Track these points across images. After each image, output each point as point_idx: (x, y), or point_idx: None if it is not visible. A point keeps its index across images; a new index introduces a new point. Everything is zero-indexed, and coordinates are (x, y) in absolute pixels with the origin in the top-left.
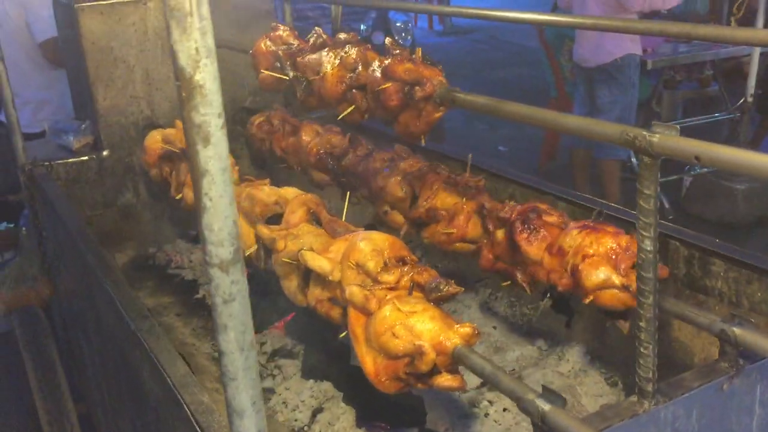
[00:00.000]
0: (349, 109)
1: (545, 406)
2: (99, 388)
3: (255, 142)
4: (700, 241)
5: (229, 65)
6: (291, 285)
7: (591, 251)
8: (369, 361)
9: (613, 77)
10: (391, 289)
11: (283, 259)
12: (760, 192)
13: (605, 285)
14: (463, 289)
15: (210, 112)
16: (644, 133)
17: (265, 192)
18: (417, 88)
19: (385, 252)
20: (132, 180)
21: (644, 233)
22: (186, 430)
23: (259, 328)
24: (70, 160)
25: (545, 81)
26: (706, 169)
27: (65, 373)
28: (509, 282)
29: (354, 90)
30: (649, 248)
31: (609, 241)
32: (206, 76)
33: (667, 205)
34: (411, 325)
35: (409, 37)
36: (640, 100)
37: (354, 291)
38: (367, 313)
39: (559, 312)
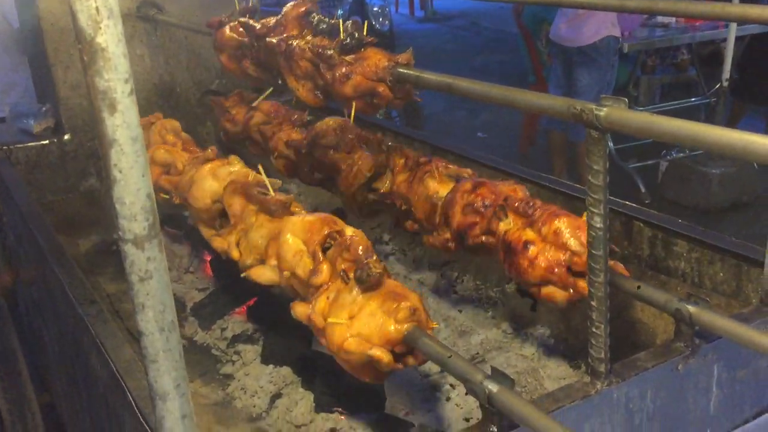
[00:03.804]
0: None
1: (492, 388)
2: (59, 377)
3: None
4: (663, 221)
5: (194, 47)
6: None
7: None
8: (347, 367)
9: (592, 59)
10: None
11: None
12: (735, 177)
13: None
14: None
15: (115, 77)
16: (591, 106)
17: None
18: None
19: (313, 240)
20: (95, 164)
21: (594, 210)
22: (131, 417)
23: (220, 313)
24: (30, 144)
25: (524, 66)
26: (681, 154)
27: (29, 362)
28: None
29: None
30: (599, 225)
31: None
32: (109, 38)
33: (643, 190)
34: (357, 334)
35: (386, 22)
36: (617, 85)
37: (299, 313)
38: (321, 334)
39: (525, 295)
